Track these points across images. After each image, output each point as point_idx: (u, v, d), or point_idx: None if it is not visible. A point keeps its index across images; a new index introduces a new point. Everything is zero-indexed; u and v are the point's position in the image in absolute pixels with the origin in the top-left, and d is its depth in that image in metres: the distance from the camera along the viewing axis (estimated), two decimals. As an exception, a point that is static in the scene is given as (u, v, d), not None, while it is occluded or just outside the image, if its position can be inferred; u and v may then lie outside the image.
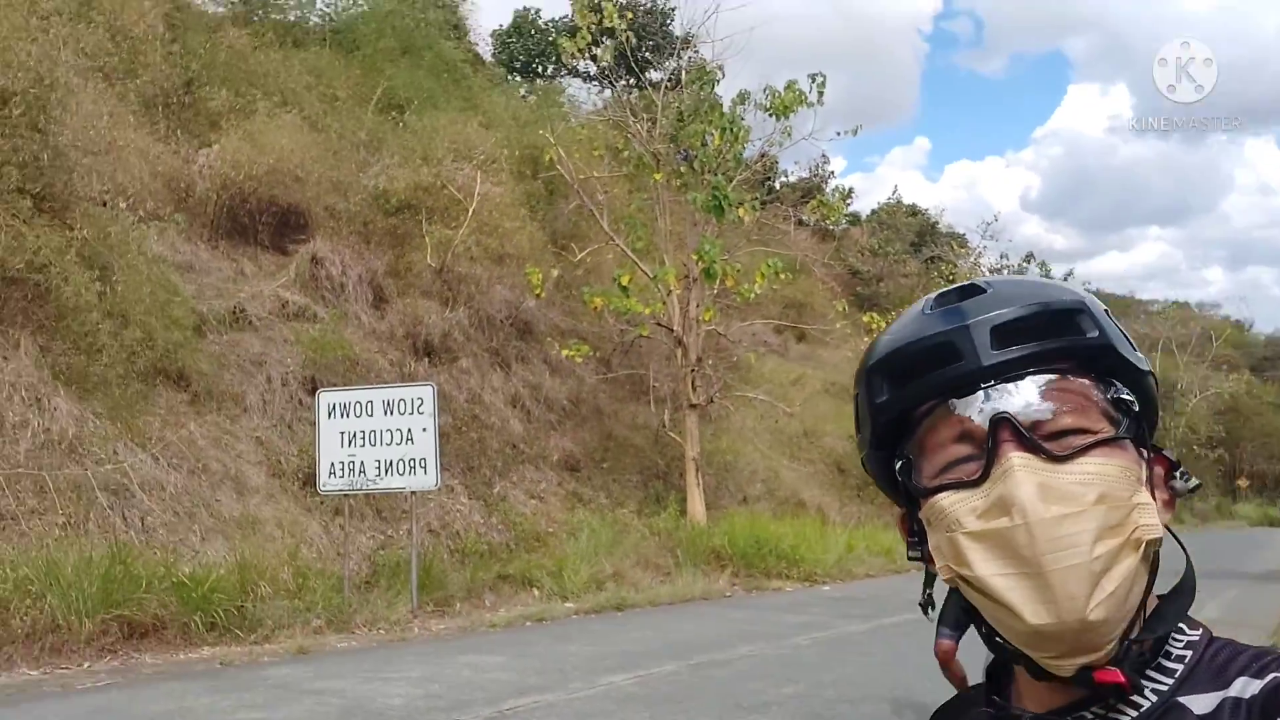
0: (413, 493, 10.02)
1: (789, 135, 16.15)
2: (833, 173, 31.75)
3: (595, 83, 23.51)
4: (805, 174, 27.84)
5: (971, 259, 25.94)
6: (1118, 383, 0.70)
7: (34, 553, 7.70)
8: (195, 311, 12.31)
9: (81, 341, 10.76)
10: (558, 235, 16.64)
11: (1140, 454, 0.69)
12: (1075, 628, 0.63)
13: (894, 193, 46.95)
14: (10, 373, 9.76)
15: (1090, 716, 0.67)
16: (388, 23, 19.04)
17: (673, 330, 15.14)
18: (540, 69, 26.18)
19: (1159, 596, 0.69)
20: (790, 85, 15.42)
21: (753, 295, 15.36)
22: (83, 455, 9.58)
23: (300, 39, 18.71)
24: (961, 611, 0.73)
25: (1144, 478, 0.68)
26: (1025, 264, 25.91)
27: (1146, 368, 0.72)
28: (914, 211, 33.03)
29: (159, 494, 9.86)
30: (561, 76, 25.27)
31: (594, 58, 17.88)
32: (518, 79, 25.34)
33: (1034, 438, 0.66)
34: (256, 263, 14.53)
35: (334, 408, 10.17)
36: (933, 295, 0.75)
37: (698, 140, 15.64)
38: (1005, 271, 25.36)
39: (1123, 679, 0.64)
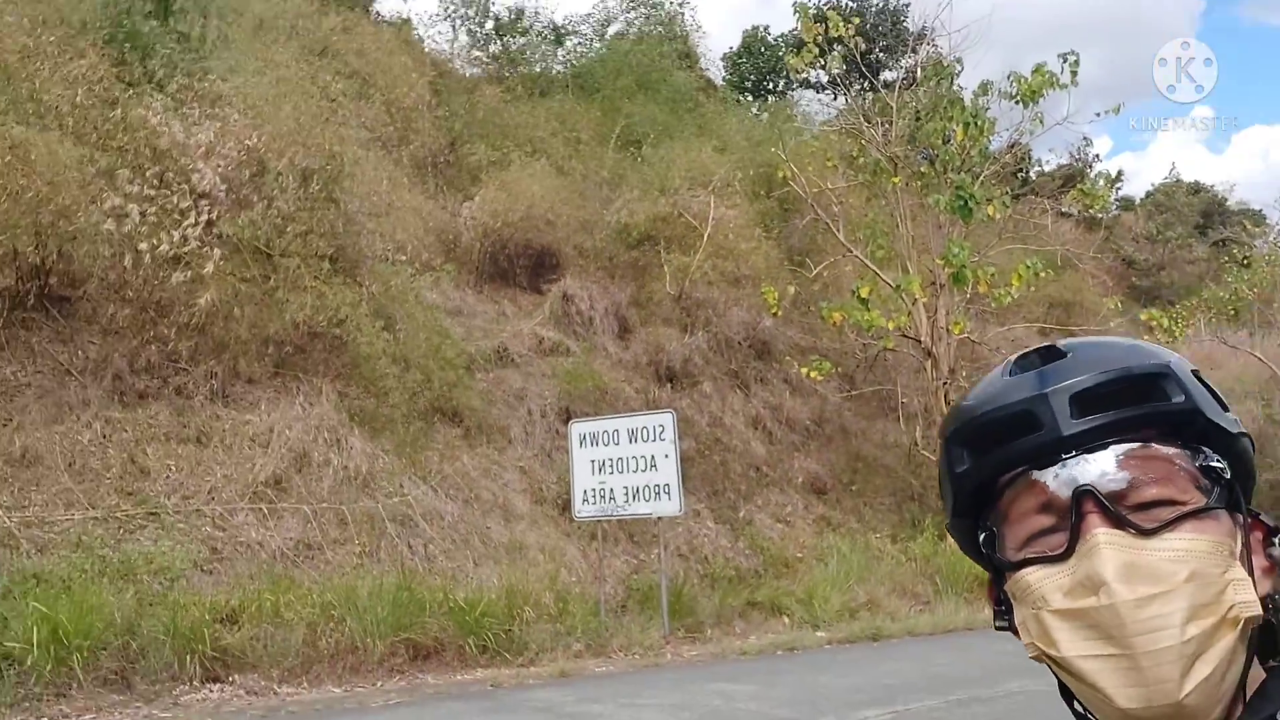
0: (659, 518, 10.32)
1: (1040, 122, 14.99)
2: (1097, 156, 28.88)
3: (827, 91, 23.13)
4: (1064, 160, 25.62)
5: (1271, 237, 22.46)
6: (1207, 449, 0.67)
7: (335, 579, 8.77)
8: (465, 352, 13.50)
9: (372, 386, 12.16)
10: (793, 252, 16.51)
11: (1235, 520, 0.66)
12: (1168, 712, 0.61)
13: (1171, 171, 41.85)
14: (315, 417, 11.22)
15: None
16: (625, 62, 19.93)
17: (920, 341, 14.47)
18: (772, 85, 26.19)
19: (1266, 670, 0.65)
20: (1038, 69, 14.30)
21: (1009, 299, 14.33)
22: (374, 489, 10.80)
23: (546, 88, 20.05)
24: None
25: (1238, 550, 0.65)
26: (1340, 236, 22.07)
27: (1238, 430, 0.69)
28: (1196, 189, 29.17)
29: (439, 523, 10.88)
30: (793, 90, 25.13)
31: (824, 68, 17.59)
32: (749, 98, 25.51)
33: (1119, 510, 0.64)
34: (515, 303, 15.70)
35: (585, 437, 10.71)
36: (1013, 357, 0.73)
37: (938, 138, 14.88)
38: None
39: None
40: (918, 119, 15.47)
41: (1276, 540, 0.68)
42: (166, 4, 11.90)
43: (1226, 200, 28.88)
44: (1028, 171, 22.44)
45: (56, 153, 9.04)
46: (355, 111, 14.64)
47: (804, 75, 19.50)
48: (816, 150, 16.18)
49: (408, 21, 20.41)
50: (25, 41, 9.78)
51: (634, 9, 22.08)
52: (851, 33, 15.18)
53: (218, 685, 7.14)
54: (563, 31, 22.14)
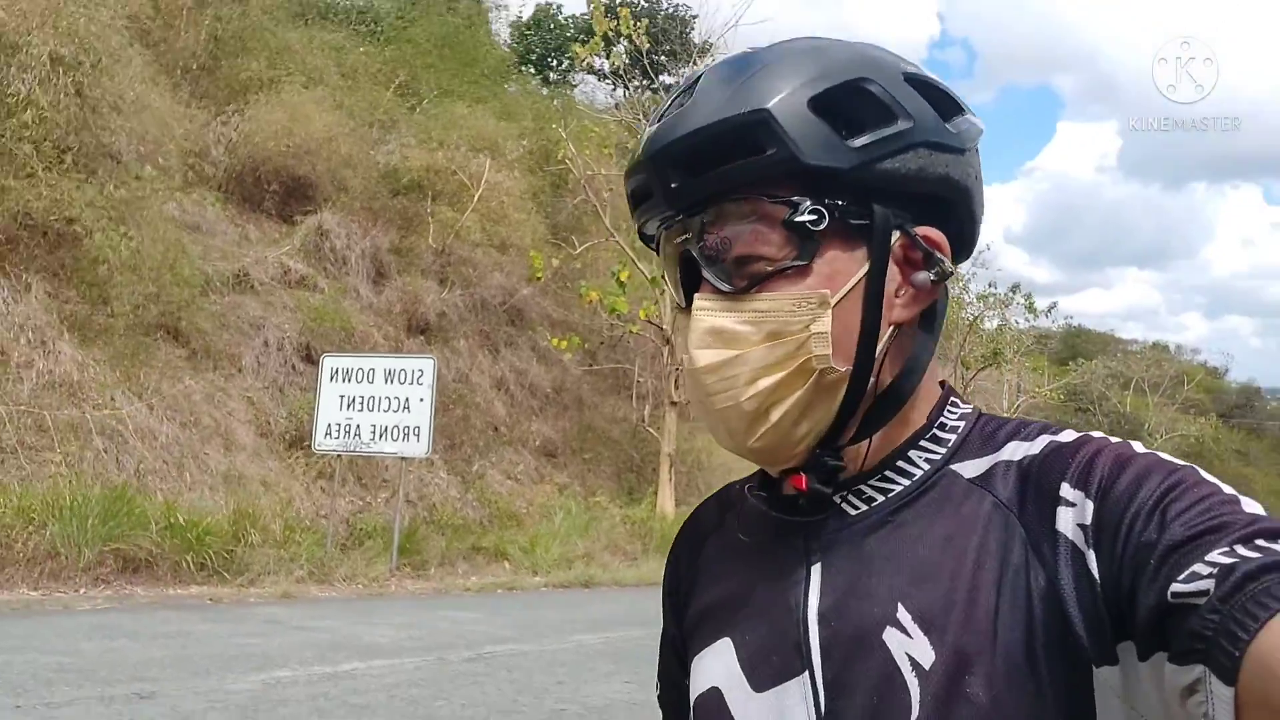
0: (402, 459, 10.41)
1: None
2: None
3: (609, 81, 23.95)
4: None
5: (960, 284, 26.54)
6: (807, 200, 0.62)
7: (33, 486, 8.05)
8: (201, 271, 12.64)
9: (90, 291, 11.10)
10: (559, 228, 17.04)
11: (859, 254, 0.64)
12: (746, 454, 0.66)
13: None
14: (19, 314, 10.10)
15: (867, 489, 0.67)
16: (415, 12, 19.41)
17: (662, 329, 15.58)
18: (555, 63, 26.60)
19: (879, 399, 0.67)
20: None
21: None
22: (82, 399, 9.92)
23: (325, 13, 19.03)
24: None
25: (838, 296, 0.63)
26: (1011, 294, 26.55)
27: (870, 156, 0.63)
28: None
29: (151, 442, 10.20)
30: (576, 72, 25.70)
31: (609, 59, 18.28)
32: (532, 70, 25.75)
33: (713, 273, 0.64)
34: (261, 229, 14.86)
35: (336, 372, 10.54)
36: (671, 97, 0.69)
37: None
38: (992, 299, 25.88)
39: (804, 486, 0.66)
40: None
41: (934, 272, 0.65)
42: None
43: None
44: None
45: None
46: (118, 2, 13.18)
47: (588, 62, 20.11)
48: (596, 135, 16.83)
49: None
50: None
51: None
52: (640, 32, 15.96)
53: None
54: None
